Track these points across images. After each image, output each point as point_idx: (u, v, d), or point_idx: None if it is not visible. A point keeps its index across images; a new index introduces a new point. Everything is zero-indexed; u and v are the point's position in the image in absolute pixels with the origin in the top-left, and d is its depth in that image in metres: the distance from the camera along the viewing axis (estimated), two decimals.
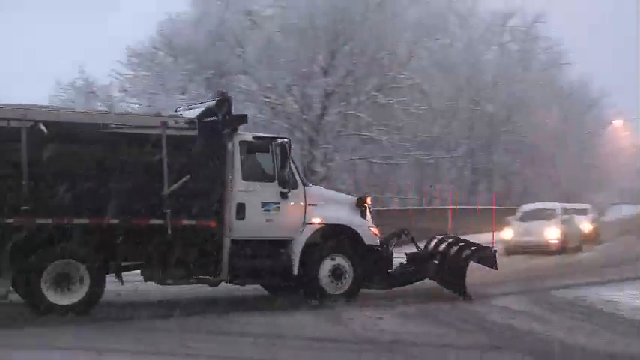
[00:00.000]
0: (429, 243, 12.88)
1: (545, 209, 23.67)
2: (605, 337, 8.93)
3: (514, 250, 21.85)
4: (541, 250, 21.52)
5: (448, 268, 12.25)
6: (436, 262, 12.39)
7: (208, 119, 10.74)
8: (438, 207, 32.20)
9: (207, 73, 27.40)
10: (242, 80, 27.71)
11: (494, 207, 28.86)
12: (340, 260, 11.59)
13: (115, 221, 9.93)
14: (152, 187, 10.08)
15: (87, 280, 9.92)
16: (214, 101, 11.09)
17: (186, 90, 27.65)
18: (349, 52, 27.50)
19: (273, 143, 11.25)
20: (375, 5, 27.81)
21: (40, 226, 9.59)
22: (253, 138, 11.26)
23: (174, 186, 10.16)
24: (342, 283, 11.58)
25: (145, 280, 11.00)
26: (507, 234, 22.60)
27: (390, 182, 33.88)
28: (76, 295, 9.87)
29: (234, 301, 11.33)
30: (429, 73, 31.31)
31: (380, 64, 28.04)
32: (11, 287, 9.80)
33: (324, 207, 11.68)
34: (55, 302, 9.72)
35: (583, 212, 28.10)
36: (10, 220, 9.43)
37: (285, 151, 11.15)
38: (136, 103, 28.00)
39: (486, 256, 12.57)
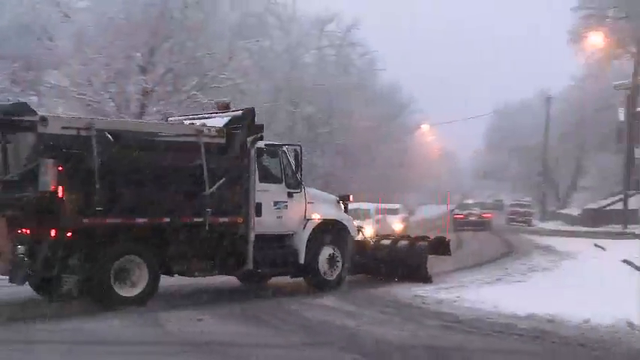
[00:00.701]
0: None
1: (360, 209, 24.67)
2: (411, 330, 9.54)
3: None
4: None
5: (400, 260, 14.46)
6: (383, 256, 14.63)
7: (235, 128, 12.19)
8: None
9: (11, 66, 25.60)
10: (53, 75, 26.21)
11: None
12: (333, 250, 13.65)
13: (167, 220, 11.21)
14: (194, 188, 11.46)
15: (145, 275, 11.09)
16: (240, 112, 12.61)
17: None
18: (168, 50, 26.99)
19: (280, 149, 13.15)
20: (193, 3, 27.54)
21: (109, 226, 10.69)
22: (265, 145, 12.85)
23: (214, 187, 11.58)
24: (334, 269, 13.63)
25: (172, 275, 11.82)
26: None
27: None
28: (136, 288, 11.02)
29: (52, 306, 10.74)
30: (249, 74, 31.54)
31: (200, 64, 27.80)
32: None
33: (319, 205, 13.72)
34: (121, 295, 10.82)
35: (394, 212, 29.74)
36: (86, 220, 10.37)
37: (297, 156, 13.23)
38: None
39: (440, 245, 15.02)
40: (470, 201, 52.04)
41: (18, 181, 10.32)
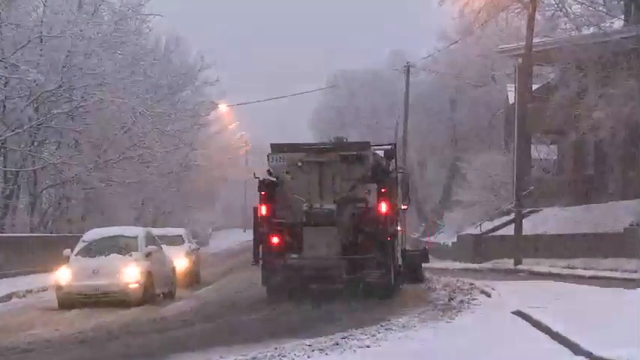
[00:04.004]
0: None
1: (120, 236, 24.17)
2: None
3: (73, 300, 22.19)
4: (115, 299, 22.11)
5: (409, 270, 25.74)
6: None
7: (388, 158, 24.08)
8: None
9: None
10: None
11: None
12: None
13: (391, 229, 23.01)
14: (396, 202, 24.57)
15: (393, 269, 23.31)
16: (390, 146, 24.76)
17: None
18: None
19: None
20: None
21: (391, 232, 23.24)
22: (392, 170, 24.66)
23: (400, 204, 25.10)
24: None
25: None
26: (63, 275, 22.53)
27: None
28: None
29: None
30: None
31: None
32: None
33: None
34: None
35: (176, 241, 29.63)
36: (397, 228, 24.44)
37: (405, 178, 26.73)
38: None
39: (424, 254, 27.94)
40: None
41: (345, 201, 21.86)
